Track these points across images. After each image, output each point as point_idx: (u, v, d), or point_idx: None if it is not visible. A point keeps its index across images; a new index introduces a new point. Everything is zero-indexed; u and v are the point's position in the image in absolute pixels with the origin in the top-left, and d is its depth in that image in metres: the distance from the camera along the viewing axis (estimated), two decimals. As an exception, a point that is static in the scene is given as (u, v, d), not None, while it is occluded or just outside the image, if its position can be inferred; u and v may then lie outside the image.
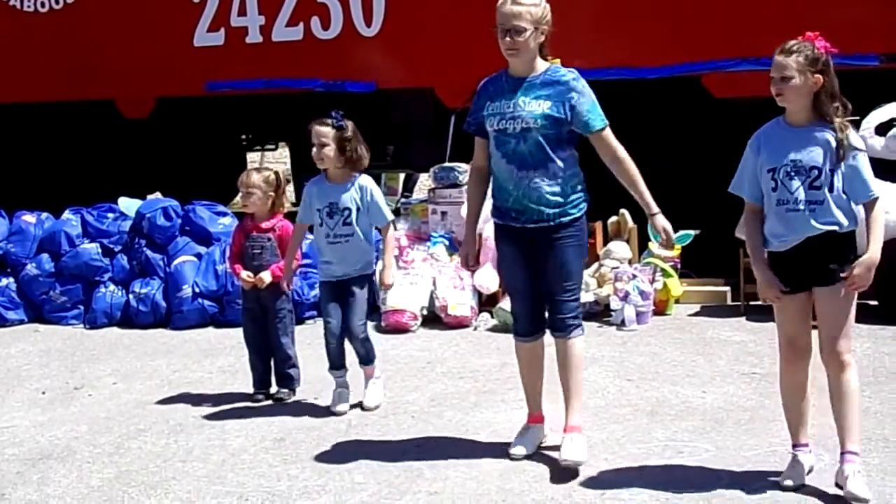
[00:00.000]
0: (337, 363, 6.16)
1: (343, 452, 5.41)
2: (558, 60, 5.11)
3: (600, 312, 7.93)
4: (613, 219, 8.39)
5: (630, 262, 8.14)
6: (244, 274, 6.31)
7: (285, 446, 5.56)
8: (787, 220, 4.56)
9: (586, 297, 7.93)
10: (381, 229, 6.19)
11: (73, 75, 10.63)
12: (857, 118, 8.24)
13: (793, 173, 4.53)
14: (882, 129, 7.76)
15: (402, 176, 14.64)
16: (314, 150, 5.96)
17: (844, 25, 8.54)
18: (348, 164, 5.98)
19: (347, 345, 6.15)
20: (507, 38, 4.96)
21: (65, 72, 10.66)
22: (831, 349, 4.60)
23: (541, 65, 5.07)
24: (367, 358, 6.18)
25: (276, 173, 6.52)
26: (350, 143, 5.93)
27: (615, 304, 7.75)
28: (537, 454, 5.24)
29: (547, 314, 5.20)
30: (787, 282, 4.60)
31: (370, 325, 6.48)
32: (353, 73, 9.82)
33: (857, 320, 6.82)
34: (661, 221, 5.07)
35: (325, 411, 6.07)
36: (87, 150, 11.73)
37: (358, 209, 5.99)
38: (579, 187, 5.10)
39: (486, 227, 8.31)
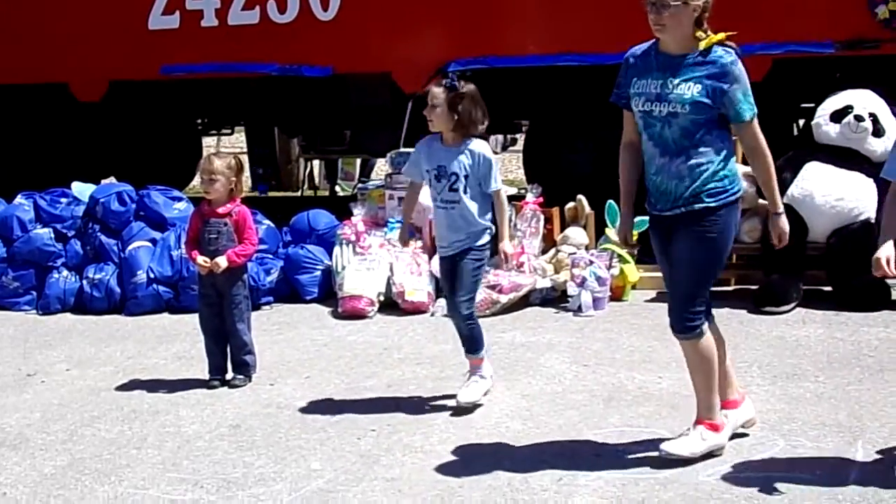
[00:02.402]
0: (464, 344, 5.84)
1: (299, 439, 5.39)
2: (719, 36, 4.66)
3: (557, 298, 7.95)
4: (570, 204, 8.41)
5: (587, 248, 8.15)
6: (200, 259, 6.27)
7: (241, 433, 5.53)
8: None
9: (543, 283, 7.96)
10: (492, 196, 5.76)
11: (26, 58, 10.51)
12: (812, 105, 8.33)
13: None
14: (837, 117, 7.83)
15: (358, 161, 14.62)
16: (426, 110, 5.68)
17: (800, 13, 8.61)
18: (459, 127, 5.63)
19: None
20: (653, 14, 4.60)
21: (17, 54, 10.54)
22: None
23: (697, 41, 4.66)
24: (471, 344, 5.79)
25: (237, 158, 6.48)
26: (462, 104, 5.58)
27: (572, 289, 7.76)
28: (487, 440, 5.25)
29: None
30: None
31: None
32: (309, 58, 9.77)
33: (810, 306, 6.93)
34: (780, 223, 4.82)
35: (281, 398, 6.04)
36: (40, 134, 11.60)
37: (466, 175, 5.63)
38: (722, 174, 4.71)
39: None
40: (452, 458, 5.03)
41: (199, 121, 13.31)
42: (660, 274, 8.16)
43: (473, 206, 5.66)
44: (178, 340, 7.42)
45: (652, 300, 7.92)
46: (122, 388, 6.42)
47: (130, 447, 5.41)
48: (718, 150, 4.71)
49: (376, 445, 5.26)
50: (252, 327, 6.47)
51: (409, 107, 9.30)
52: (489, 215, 5.76)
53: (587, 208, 8.34)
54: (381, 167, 13.66)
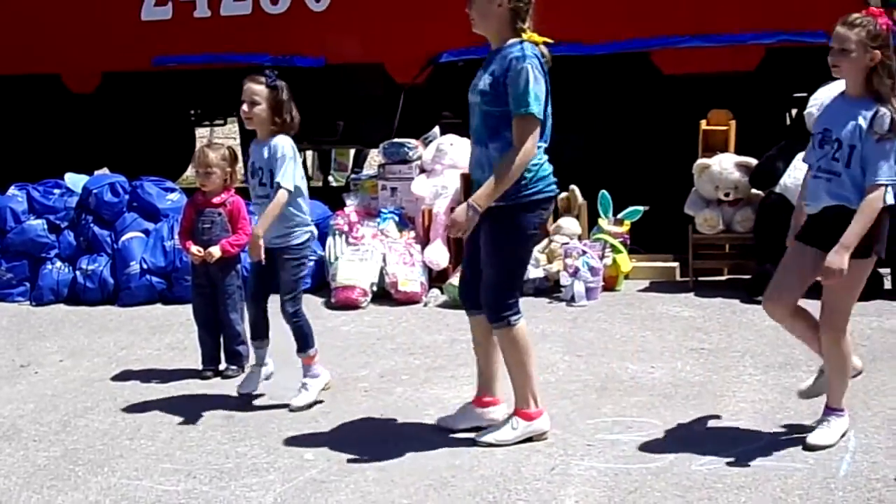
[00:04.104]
0: (252, 332, 5.93)
1: (291, 430, 5.39)
2: (532, 36, 4.85)
3: (550, 288, 7.95)
4: (563, 195, 8.38)
5: (580, 238, 8.15)
6: (194, 248, 6.28)
7: (234, 423, 5.54)
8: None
9: (536, 272, 7.96)
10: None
11: (19, 49, 10.49)
12: (805, 94, 8.33)
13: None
14: (829, 106, 7.82)
15: (351, 152, 14.61)
16: (243, 107, 5.64)
17: (793, 2, 8.61)
18: (276, 126, 5.64)
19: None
20: (467, 8, 4.92)
21: (10, 45, 10.52)
22: None
23: (512, 38, 4.85)
24: (299, 342, 5.81)
25: (231, 148, 6.48)
26: (285, 106, 5.62)
27: (565, 279, 7.77)
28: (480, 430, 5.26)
29: None
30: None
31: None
32: (302, 48, 9.76)
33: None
34: (459, 214, 4.83)
35: (274, 388, 6.04)
36: (33, 125, 11.58)
37: (269, 171, 5.61)
38: (527, 172, 4.81)
39: (437, 203, 8.33)
40: (445, 447, 5.04)
41: (192, 112, 13.29)
42: (653, 264, 8.29)
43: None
44: (172, 331, 7.42)
45: (645, 290, 7.93)
46: (115, 378, 6.42)
47: (123, 438, 5.41)
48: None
49: (369, 435, 5.27)
50: (245, 318, 6.47)
51: (401, 97, 9.30)
52: (305, 214, 5.73)
53: (580, 198, 8.35)
54: (374, 158, 13.65)
